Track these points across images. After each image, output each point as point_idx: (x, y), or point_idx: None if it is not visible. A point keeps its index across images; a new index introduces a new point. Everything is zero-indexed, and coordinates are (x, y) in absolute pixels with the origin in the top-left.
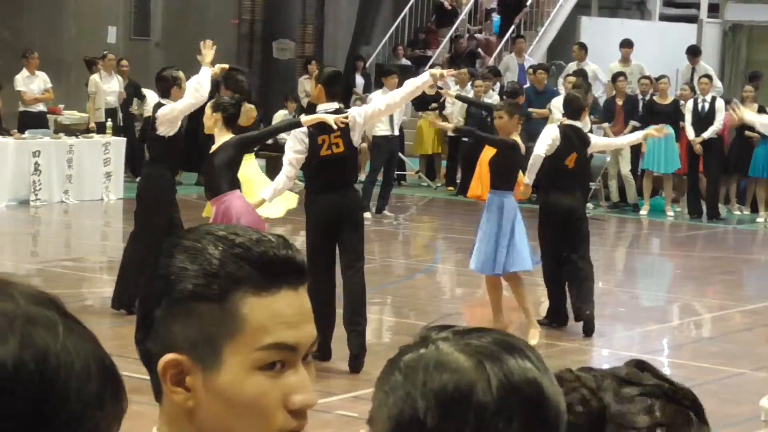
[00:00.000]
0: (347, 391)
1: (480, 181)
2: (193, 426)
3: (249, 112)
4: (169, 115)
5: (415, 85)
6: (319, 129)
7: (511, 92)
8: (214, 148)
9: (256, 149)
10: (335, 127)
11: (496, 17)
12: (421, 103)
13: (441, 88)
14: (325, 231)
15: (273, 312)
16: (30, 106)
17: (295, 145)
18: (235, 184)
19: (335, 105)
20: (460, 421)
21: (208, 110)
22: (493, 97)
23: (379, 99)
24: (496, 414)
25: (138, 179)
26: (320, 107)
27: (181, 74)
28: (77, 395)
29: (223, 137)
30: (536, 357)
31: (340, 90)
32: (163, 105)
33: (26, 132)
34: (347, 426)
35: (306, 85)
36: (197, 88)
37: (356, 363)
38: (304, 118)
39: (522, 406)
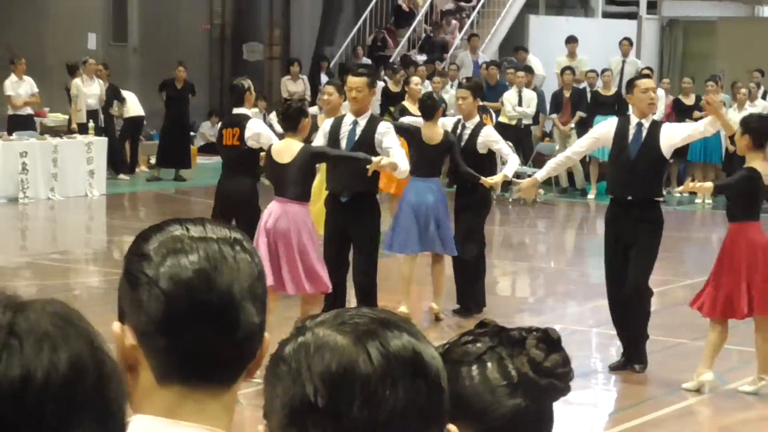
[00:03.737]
0: None
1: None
2: None
3: None
4: (260, 140)
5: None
6: None
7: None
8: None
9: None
10: None
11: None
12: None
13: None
14: None
15: None
16: (18, 110)
17: None
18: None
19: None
20: (349, 395)
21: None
22: (449, 93)
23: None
24: (380, 381)
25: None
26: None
27: (249, 82)
28: (116, 393)
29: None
30: (411, 329)
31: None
32: (246, 116)
33: (14, 134)
34: None
35: (288, 86)
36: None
37: None
38: None
39: (403, 369)
